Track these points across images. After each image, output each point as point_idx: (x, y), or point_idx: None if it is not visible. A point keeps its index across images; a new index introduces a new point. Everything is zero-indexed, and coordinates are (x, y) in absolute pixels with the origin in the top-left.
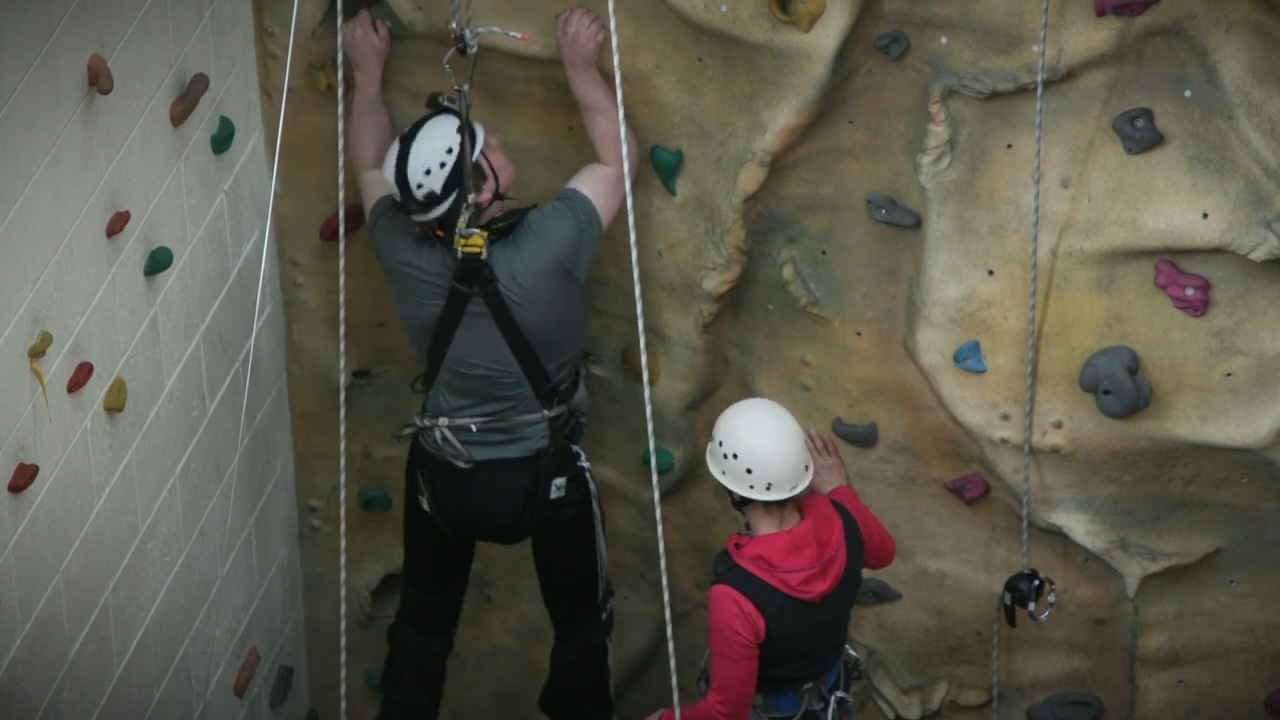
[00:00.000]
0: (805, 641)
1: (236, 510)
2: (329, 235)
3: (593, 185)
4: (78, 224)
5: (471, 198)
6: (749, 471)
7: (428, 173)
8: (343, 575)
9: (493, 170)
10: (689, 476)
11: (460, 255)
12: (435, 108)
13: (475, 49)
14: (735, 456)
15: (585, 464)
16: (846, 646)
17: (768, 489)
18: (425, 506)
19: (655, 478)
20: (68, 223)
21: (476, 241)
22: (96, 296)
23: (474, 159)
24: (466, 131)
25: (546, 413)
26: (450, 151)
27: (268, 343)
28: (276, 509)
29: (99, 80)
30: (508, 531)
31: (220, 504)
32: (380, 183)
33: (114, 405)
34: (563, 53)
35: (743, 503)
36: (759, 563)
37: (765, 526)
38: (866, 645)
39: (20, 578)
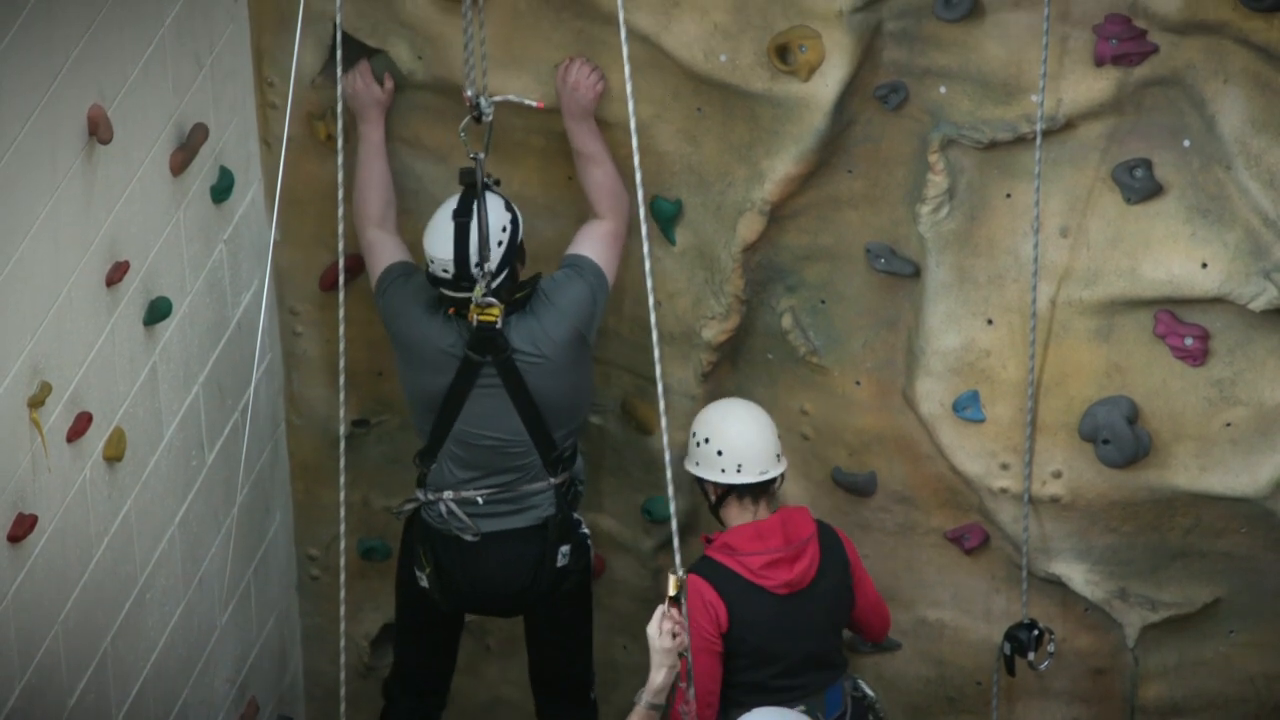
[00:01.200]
0: (772, 638)
1: (235, 560)
2: (328, 285)
3: (594, 246)
4: (77, 273)
5: (488, 268)
6: (720, 454)
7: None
8: (342, 625)
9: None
10: (689, 526)
11: (475, 324)
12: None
13: (490, 117)
14: (707, 441)
15: (585, 531)
16: (860, 684)
17: (739, 470)
18: (423, 583)
19: (675, 525)
20: (67, 272)
21: (494, 312)
22: (96, 346)
23: (519, 239)
24: (482, 197)
25: (552, 480)
26: (505, 230)
27: (267, 392)
28: (275, 559)
29: (99, 130)
30: (513, 603)
31: (219, 554)
32: (388, 244)
33: (113, 455)
34: (561, 102)
35: (720, 502)
36: (723, 550)
37: (737, 521)
38: None
39: (19, 627)
